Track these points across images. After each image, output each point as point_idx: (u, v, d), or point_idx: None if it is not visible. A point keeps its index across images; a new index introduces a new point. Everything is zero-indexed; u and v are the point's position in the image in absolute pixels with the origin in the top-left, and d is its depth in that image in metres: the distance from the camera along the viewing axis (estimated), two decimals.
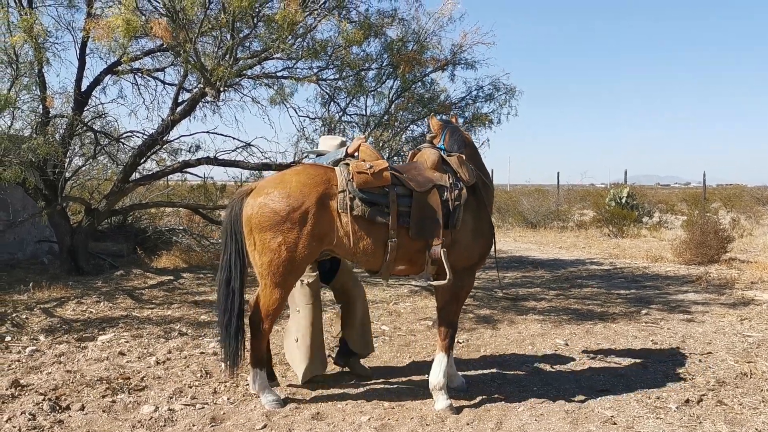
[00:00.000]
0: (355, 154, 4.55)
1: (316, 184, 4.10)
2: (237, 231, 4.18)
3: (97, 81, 9.56)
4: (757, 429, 3.93)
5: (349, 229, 4.08)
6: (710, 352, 5.60)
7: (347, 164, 4.27)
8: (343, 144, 5.03)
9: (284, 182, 4.11)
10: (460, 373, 4.82)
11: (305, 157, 5.46)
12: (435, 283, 4.36)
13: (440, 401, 4.23)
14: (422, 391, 4.58)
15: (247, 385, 4.63)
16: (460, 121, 9.45)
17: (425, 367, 5.16)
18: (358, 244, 4.12)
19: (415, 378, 4.92)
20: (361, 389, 4.63)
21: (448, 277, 4.20)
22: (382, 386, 4.70)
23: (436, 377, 4.28)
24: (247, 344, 4.34)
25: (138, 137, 10.15)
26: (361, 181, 4.11)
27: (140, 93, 10.15)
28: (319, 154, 5.05)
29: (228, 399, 4.41)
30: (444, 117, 5.37)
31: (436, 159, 4.47)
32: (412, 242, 4.21)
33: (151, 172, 10.16)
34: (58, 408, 4.15)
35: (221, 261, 4.27)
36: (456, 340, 6.02)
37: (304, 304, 4.72)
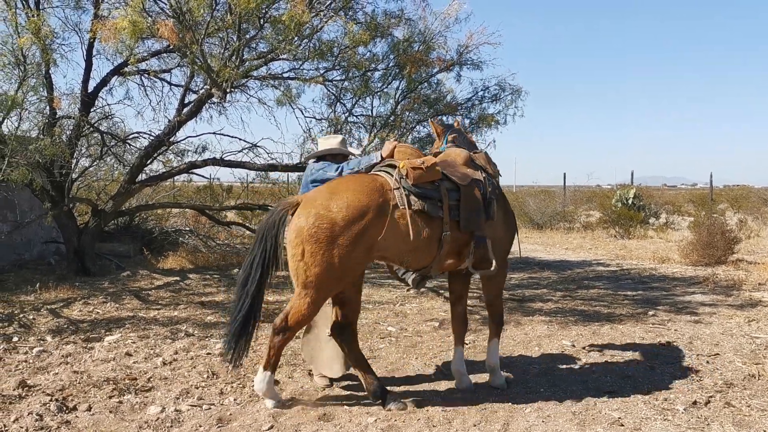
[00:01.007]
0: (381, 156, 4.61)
1: (372, 192, 4.10)
2: (271, 238, 4.14)
3: (103, 82, 9.59)
4: (765, 431, 3.91)
5: (407, 226, 4.10)
6: (718, 354, 5.58)
7: (392, 165, 4.35)
8: (343, 142, 5.00)
9: (339, 194, 4.05)
10: (469, 374, 4.81)
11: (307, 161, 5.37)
12: (482, 271, 4.52)
13: (498, 378, 4.71)
14: (429, 393, 4.57)
15: (254, 386, 4.63)
16: (466, 121, 9.45)
17: (432, 368, 5.16)
18: (416, 240, 4.14)
19: (421, 379, 4.91)
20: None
21: (493, 266, 4.45)
22: (388, 387, 4.69)
23: (493, 359, 4.74)
24: (255, 345, 4.32)
25: (144, 138, 10.18)
26: (417, 176, 4.19)
27: (147, 94, 10.19)
28: (320, 158, 4.97)
29: (234, 400, 4.41)
30: (444, 120, 5.45)
31: (467, 156, 4.70)
32: (461, 235, 4.36)
33: (157, 173, 10.18)
34: (65, 408, 4.16)
35: (245, 262, 4.25)
36: (464, 341, 6.03)
37: None
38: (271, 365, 4.21)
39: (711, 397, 4.47)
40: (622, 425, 3.99)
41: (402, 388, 4.69)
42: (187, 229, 12.51)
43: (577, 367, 5.25)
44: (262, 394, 4.24)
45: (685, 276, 10.08)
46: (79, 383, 4.65)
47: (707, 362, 5.33)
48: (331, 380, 4.82)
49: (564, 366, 5.27)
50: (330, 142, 4.99)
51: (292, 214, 4.12)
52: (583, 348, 5.82)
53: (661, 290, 8.84)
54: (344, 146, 5.02)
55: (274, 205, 4.39)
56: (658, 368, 5.17)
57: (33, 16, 7.65)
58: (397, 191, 4.16)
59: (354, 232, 3.96)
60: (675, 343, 5.96)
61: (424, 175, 4.23)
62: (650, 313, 7.29)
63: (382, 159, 4.58)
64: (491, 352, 4.75)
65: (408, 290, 8.44)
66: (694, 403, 4.35)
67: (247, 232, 12.04)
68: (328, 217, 3.96)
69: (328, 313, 4.63)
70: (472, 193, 4.41)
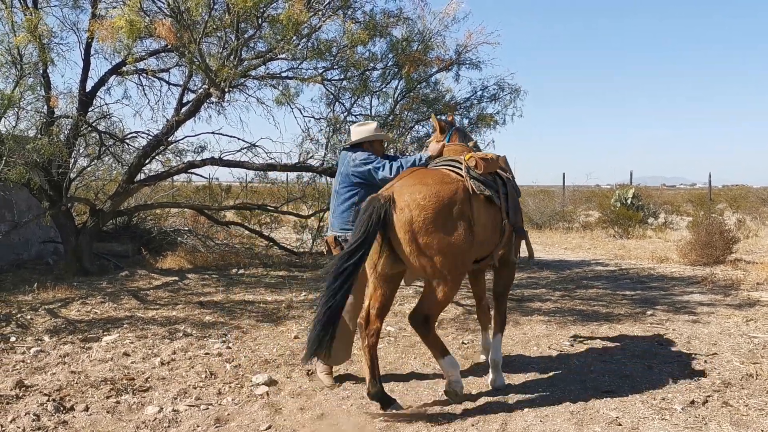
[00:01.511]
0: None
1: (454, 182, 4.25)
2: (375, 233, 4.03)
3: (101, 81, 9.58)
4: (763, 430, 3.90)
5: (484, 213, 4.30)
6: (716, 353, 5.57)
7: (454, 160, 4.53)
8: (378, 127, 4.94)
9: (429, 185, 4.12)
10: (468, 375, 4.81)
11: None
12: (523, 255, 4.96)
13: (499, 376, 4.70)
14: (427, 392, 4.57)
15: (252, 386, 4.63)
16: (465, 121, 9.45)
17: (430, 367, 5.16)
18: (489, 225, 4.37)
19: (420, 379, 4.91)
20: (366, 390, 4.61)
21: (532, 254, 5.10)
22: (387, 387, 4.68)
23: (497, 354, 4.73)
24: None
25: (143, 138, 10.19)
26: (484, 167, 4.42)
27: (145, 94, 10.18)
28: (354, 145, 4.89)
29: (232, 400, 4.40)
30: (443, 117, 5.48)
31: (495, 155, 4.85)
32: (509, 225, 4.59)
33: (156, 173, 10.17)
34: (62, 408, 4.16)
35: (342, 257, 4.01)
36: (461, 341, 6.03)
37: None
38: (444, 348, 4.23)
39: (709, 396, 4.47)
40: (620, 425, 3.98)
41: (401, 388, 4.69)
42: (186, 229, 12.50)
43: (575, 366, 5.25)
44: (450, 374, 4.19)
45: (684, 276, 10.08)
46: (76, 383, 4.64)
47: (705, 362, 5.32)
48: (336, 379, 4.80)
49: (562, 366, 5.26)
50: (367, 129, 4.91)
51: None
52: (582, 348, 5.82)
53: (660, 290, 8.84)
54: (379, 131, 4.99)
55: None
56: (656, 368, 5.17)
57: (30, 14, 7.64)
58: (471, 181, 4.29)
59: (456, 217, 4.09)
60: (672, 342, 5.96)
61: (489, 166, 4.46)
62: (648, 312, 7.29)
63: (431, 157, 4.74)
64: (495, 347, 4.76)
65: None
66: (692, 402, 4.35)
67: (246, 231, 12.03)
68: (430, 207, 4.02)
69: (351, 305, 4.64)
70: (514, 187, 4.75)
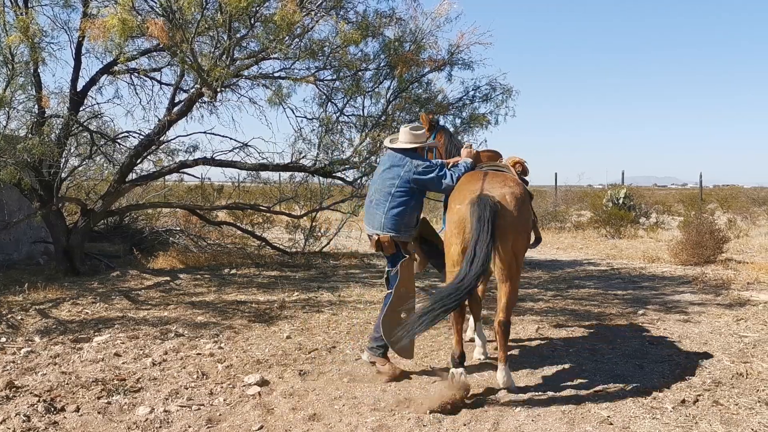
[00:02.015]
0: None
1: (520, 183, 4.83)
2: (491, 228, 4.27)
3: (93, 81, 9.53)
4: (753, 429, 3.93)
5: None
6: (706, 353, 5.60)
7: (503, 165, 5.13)
8: (424, 133, 5.08)
9: (515, 187, 4.60)
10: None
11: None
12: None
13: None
14: (420, 392, 4.57)
15: (244, 386, 4.63)
16: (457, 122, 9.46)
17: (422, 366, 5.16)
18: None
19: (413, 378, 4.91)
20: (358, 390, 4.62)
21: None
22: (379, 387, 4.69)
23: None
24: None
25: (135, 137, 10.14)
26: (526, 170, 5.26)
27: (137, 93, 10.14)
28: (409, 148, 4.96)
29: (224, 400, 4.39)
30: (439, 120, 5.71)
31: None
32: None
33: (147, 173, 10.13)
34: (53, 409, 4.14)
35: (473, 253, 4.23)
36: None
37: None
38: (507, 358, 4.64)
39: (699, 395, 4.49)
40: (611, 424, 4.00)
41: (393, 388, 4.69)
42: (178, 229, 12.45)
43: (566, 366, 5.26)
44: (509, 385, 4.56)
45: (675, 275, 10.14)
46: (67, 384, 4.62)
47: (696, 361, 5.35)
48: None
49: (554, 365, 5.28)
50: (423, 133, 5.05)
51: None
52: (573, 347, 5.84)
53: (651, 289, 8.88)
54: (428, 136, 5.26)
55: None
56: (647, 367, 5.19)
57: (21, 14, 7.60)
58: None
59: (529, 214, 4.78)
60: (663, 342, 5.99)
61: (528, 169, 5.27)
62: (640, 312, 7.33)
63: (474, 162, 5.08)
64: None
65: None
66: (683, 401, 4.37)
67: (238, 231, 12.01)
68: (522, 204, 4.54)
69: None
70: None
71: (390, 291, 4.88)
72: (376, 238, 4.86)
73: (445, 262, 4.68)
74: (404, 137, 4.99)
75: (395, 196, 4.82)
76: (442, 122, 6.44)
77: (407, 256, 4.90)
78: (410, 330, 4.16)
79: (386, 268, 5.04)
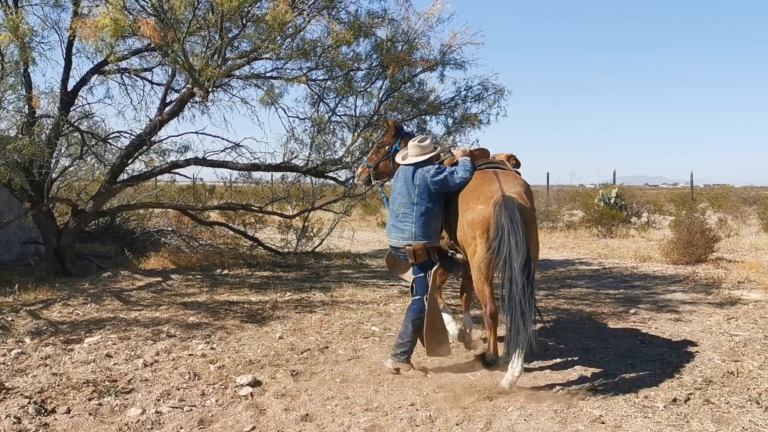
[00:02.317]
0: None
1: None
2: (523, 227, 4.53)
3: (83, 81, 9.49)
4: (743, 428, 3.95)
5: None
6: (697, 351, 5.63)
7: (492, 161, 5.40)
8: (423, 139, 5.31)
9: (521, 184, 4.90)
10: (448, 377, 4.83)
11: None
12: None
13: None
14: (411, 392, 4.57)
15: (236, 387, 4.62)
16: (449, 121, 9.47)
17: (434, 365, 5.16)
18: None
19: (405, 379, 4.91)
20: (351, 391, 4.62)
21: None
22: (371, 387, 4.69)
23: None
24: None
25: (126, 138, 10.10)
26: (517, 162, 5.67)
27: (128, 93, 10.12)
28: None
29: (216, 401, 4.38)
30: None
31: None
32: None
33: (139, 173, 10.09)
34: (43, 411, 4.11)
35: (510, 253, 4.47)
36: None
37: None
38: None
39: (691, 394, 4.52)
40: (603, 423, 4.01)
41: (385, 388, 4.69)
42: (170, 229, 12.42)
43: (558, 365, 5.28)
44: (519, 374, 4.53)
45: (666, 274, 10.18)
46: (58, 385, 4.60)
47: (687, 360, 5.38)
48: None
49: (545, 364, 5.29)
50: (430, 143, 5.27)
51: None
52: (565, 347, 5.85)
53: (643, 289, 8.92)
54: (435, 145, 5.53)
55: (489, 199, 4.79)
56: (639, 366, 5.21)
57: (11, 14, 7.56)
58: None
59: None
60: (655, 341, 6.02)
61: (520, 162, 5.61)
62: (631, 311, 7.36)
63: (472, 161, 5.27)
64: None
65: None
66: (674, 400, 4.39)
67: (230, 232, 11.98)
68: (533, 203, 4.89)
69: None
70: None
71: (417, 297, 5.07)
72: (411, 248, 5.03)
73: (469, 261, 4.93)
74: (413, 151, 5.22)
75: (419, 204, 5.05)
76: (407, 129, 6.87)
77: (437, 263, 5.12)
78: (518, 343, 4.46)
79: (412, 276, 5.17)
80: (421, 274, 5.08)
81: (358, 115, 9.58)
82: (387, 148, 5.82)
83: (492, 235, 4.55)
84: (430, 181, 5.04)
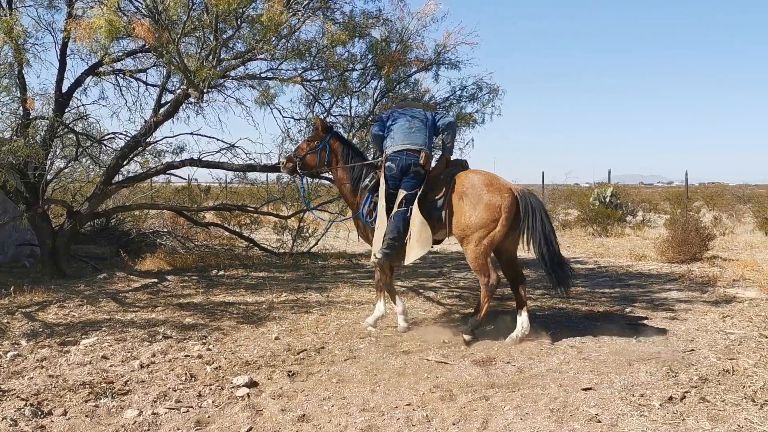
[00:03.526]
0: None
1: None
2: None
3: (78, 82, 9.47)
4: (739, 425, 3.96)
5: None
6: (693, 350, 5.65)
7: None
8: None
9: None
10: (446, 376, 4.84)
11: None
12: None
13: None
14: (408, 392, 4.58)
15: (232, 387, 4.62)
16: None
17: (411, 367, 5.17)
18: None
19: (401, 378, 4.92)
20: (347, 391, 4.63)
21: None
22: (368, 387, 4.69)
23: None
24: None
25: (121, 139, 10.08)
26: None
27: (122, 94, 10.09)
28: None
29: (213, 402, 4.38)
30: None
31: None
32: None
33: (134, 174, 10.08)
34: (40, 413, 4.10)
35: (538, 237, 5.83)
36: (442, 340, 6.05)
37: None
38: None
39: (686, 392, 4.53)
40: (599, 421, 4.03)
41: (382, 388, 4.69)
42: (165, 230, 12.39)
43: (555, 364, 5.29)
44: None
45: (661, 273, 10.21)
46: (54, 387, 4.59)
47: (683, 358, 5.40)
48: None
49: (542, 363, 5.30)
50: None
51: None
52: (561, 345, 5.86)
53: (638, 287, 8.94)
54: None
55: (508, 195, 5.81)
56: (635, 364, 5.22)
57: (5, 15, 7.54)
58: None
59: None
60: (650, 339, 6.03)
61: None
62: (627, 309, 7.38)
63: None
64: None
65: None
66: (670, 398, 4.40)
67: (226, 233, 11.97)
68: None
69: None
70: None
71: (403, 209, 5.92)
72: (425, 153, 5.96)
73: (477, 243, 5.81)
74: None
75: (430, 127, 6.16)
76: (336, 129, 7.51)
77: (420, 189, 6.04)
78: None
79: (402, 193, 5.97)
80: (412, 191, 5.92)
81: (353, 115, 9.60)
82: (316, 143, 6.43)
83: (522, 215, 5.74)
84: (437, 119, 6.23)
